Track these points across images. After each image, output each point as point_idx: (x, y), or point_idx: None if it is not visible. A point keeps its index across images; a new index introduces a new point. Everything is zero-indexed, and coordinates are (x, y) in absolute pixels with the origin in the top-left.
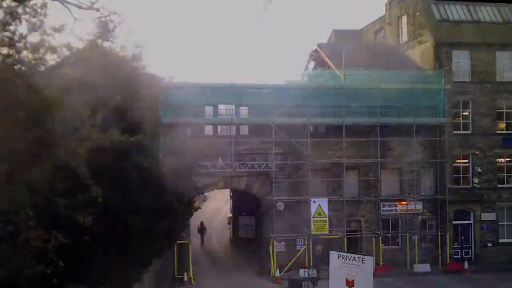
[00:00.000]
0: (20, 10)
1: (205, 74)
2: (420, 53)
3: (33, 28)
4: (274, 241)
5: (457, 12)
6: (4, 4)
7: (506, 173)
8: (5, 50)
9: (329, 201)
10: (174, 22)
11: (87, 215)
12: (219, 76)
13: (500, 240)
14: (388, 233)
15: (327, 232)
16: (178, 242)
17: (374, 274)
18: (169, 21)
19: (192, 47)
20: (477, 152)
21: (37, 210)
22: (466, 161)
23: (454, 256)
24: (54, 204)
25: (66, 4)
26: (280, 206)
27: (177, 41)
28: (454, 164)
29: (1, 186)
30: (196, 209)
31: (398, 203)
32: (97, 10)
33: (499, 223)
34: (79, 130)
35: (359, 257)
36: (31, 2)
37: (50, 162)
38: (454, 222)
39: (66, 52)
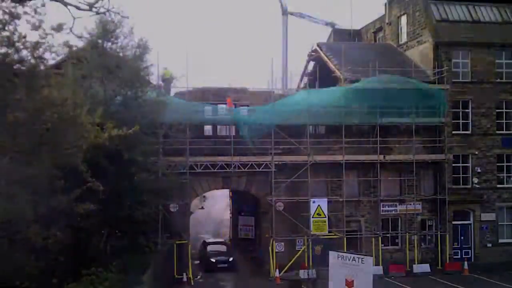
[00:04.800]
0: (19, 9)
1: (205, 74)
2: (420, 53)
3: (32, 28)
4: (274, 241)
5: (456, 12)
6: (4, 3)
7: (506, 173)
8: (4, 50)
9: (329, 201)
10: (174, 22)
11: (87, 206)
12: (219, 76)
13: (500, 241)
14: (388, 233)
15: (326, 232)
16: (177, 242)
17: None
18: (170, 22)
19: (192, 47)
20: (476, 152)
21: (38, 208)
22: (466, 161)
23: (454, 257)
24: (54, 201)
25: (65, 4)
26: (280, 206)
27: (178, 41)
28: (453, 164)
29: (1, 183)
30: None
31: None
32: (97, 12)
33: (499, 223)
34: (78, 128)
35: (358, 257)
36: (31, 2)
37: (50, 160)
38: (453, 222)
39: (65, 51)
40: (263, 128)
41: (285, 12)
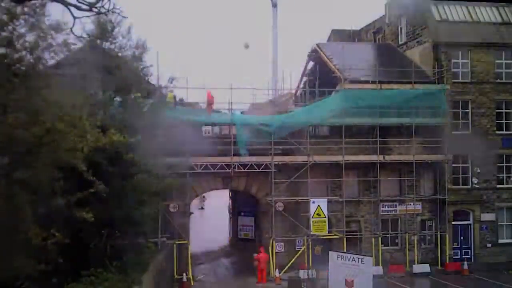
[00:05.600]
0: (18, 10)
1: (204, 74)
2: (420, 53)
3: (31, 28)
4: (274, 242)
5: (456, 12)
6: (3, 4)
7: (506, 174)
8: (3, 50)
9: (329, 202)
10: (173, 22)
11: (88, 212)
12: (218, 76)
13: (500, 241)
14: (388, 234)
15: (326, 232)
16: (177, 242)
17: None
18: (168, 21)
19: (192, 47)
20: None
21: (37, 209)
22: (466, 161)
23: (454, 257)
24: (54, 203)
25: (66, 5)
26: (280, 206)
27: (177, 41)
28: (453, 164)
29: (2, 185)
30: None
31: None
32: (98, 13)
33: (499, 223)
34: (78, 130)
35: (358, 258)
36: (30, 2)
37: (50, 162)
38: (453, 223)
39: (65, 52)
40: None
41: (274, 5)
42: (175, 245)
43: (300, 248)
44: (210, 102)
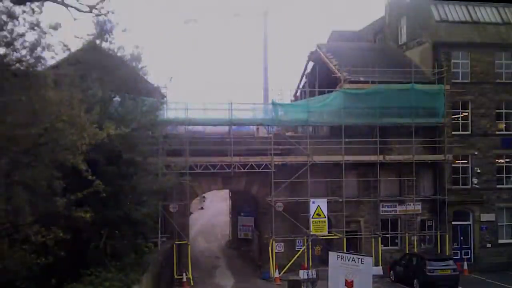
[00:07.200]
0: (17, 9)
1: (203, 75)
2: (419, 53)
3: (30, 27)
4: (274, 242)
5: (456, 12)
6: (1, 3)
7: (506, 174)
8: (2, 49)
9: (329, 202)
10: (173, 22)
11: (87, 212)
12: (217, 76)
13: (500, 241)
14: (388, 234)
15: (326, 232)
16: (177, 242)
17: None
18: (168, 22)
19: (191, 48)
20: (476, 153)
21: (37, 208)
22: (466, 161)
23: (454, 257)
24: (54, 202)
25: (65, 6)
26: (280, 206)
27: (176, 41)
28: (453, 165)
29: (1, 184)
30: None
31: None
32: (98, 15)
33: (499, 223)
34: (77, 128)
35: (358, 258)
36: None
37: (49, 161)
38: (453, 223)
39: (65, 51)
40: None
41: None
42: (175, 245)
43: (300, 248)
44: None
